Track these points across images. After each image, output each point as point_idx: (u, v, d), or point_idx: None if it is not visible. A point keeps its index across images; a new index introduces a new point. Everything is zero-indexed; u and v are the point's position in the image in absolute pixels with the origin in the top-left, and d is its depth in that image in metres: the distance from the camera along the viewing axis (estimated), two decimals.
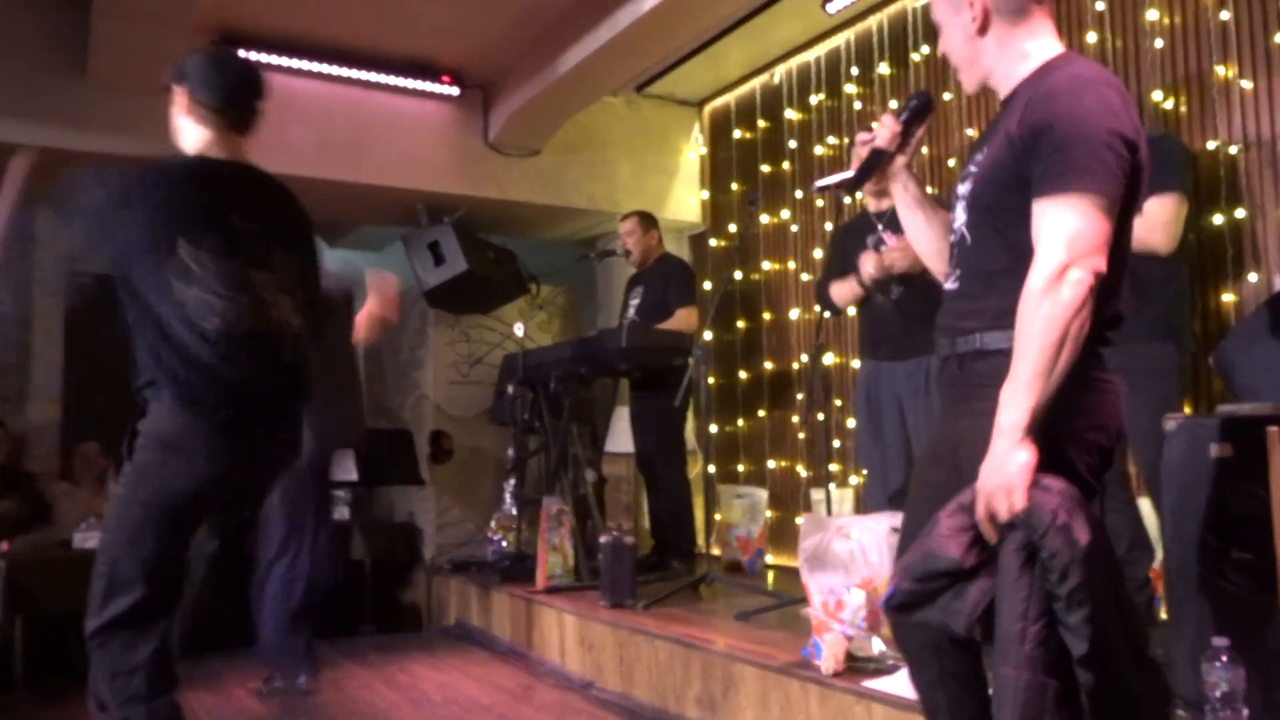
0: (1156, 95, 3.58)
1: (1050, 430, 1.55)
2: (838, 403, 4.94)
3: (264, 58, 4.87)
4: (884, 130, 1.88)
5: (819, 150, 5.19)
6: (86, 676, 4.11)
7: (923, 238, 1.94)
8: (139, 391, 2.19)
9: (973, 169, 1.76)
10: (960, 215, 1.77)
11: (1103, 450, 1.65)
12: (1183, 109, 3.55)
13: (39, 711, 3.69)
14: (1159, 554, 2.83)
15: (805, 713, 2.73)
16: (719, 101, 6.02)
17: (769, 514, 5.06)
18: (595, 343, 4.59)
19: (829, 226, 5.02)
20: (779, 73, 5.49)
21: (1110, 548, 1.54)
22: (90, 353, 6.50)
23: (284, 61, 4.91)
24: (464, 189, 5.44)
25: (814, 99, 5.23)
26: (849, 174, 2.40)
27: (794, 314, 5.32)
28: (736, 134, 5.80)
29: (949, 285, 1.80)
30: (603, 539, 3.96)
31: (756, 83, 5.68)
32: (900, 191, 1.93)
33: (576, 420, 4.73)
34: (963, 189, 1.77)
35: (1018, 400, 1.52)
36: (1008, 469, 1.51)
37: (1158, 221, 2.77)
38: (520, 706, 3.57)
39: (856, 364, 4.89)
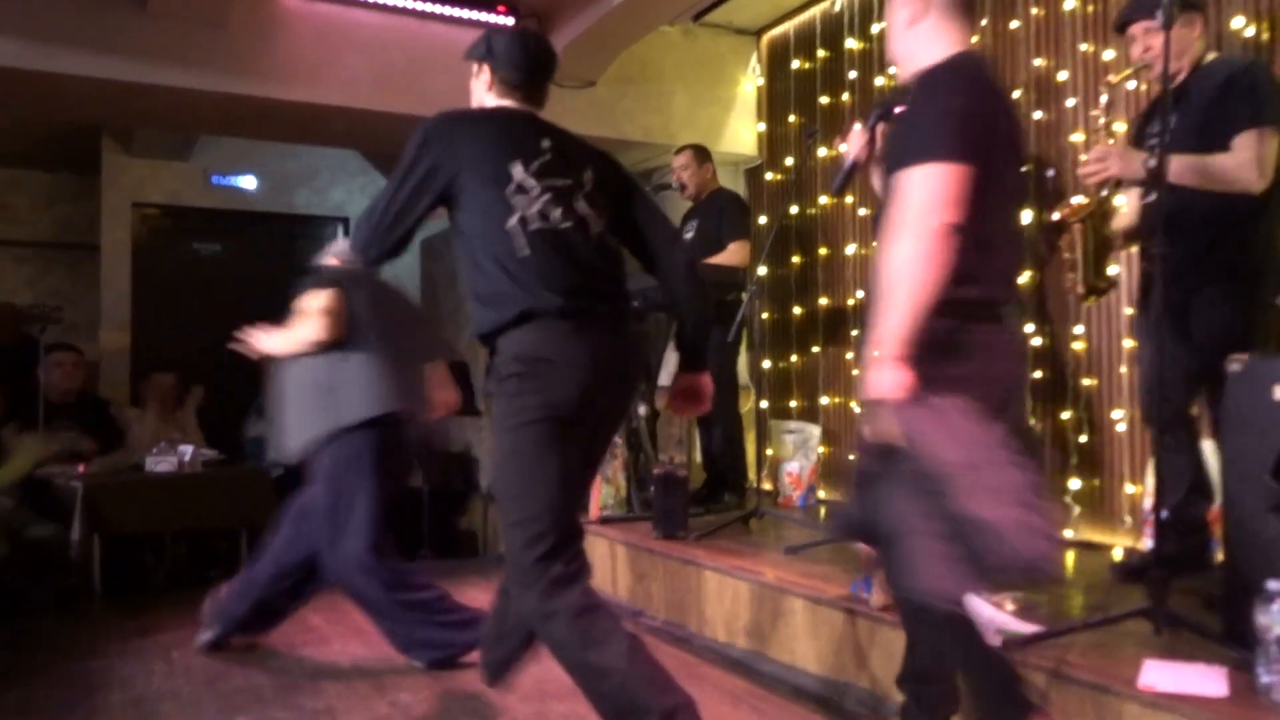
0: (1237, 22, 3.42)
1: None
2: None
3: None
4: (855, 143, 2.35)
5: (880, 81, 5.07)
6: (160, 592, 4.31)
7: None
8: (489, 336, 2.23)
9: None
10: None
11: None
12: (1264, 35, 3.40)
13: (116, 624, 3.88)
14: (1219, 498, 2.80)
15: (854, 645, 2.77)
16: (777, 31, 5.89)
17: (821, 450, 5.06)
18: (649, 277, 4.58)
19: None
20: (840, 0, 5.35)
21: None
22: (157, 283, 6.67)
23: None
24: None
25: (876, 28, 5.08)
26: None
27: (850, 249, 5.26)
28: (795, 64, 5.68)
29: None
30: (655, 471, 4.00)
31: (816, 10, 5.54)
32: (876, 180, 2.33)
33: None
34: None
35: (887, 332, 1.85)
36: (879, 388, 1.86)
37: (1246, 157, 2.62)
38: None
39: None
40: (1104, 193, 2.94)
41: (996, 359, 1.97)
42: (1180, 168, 2.63)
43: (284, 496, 4.96)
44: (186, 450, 4.71)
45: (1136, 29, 2.90)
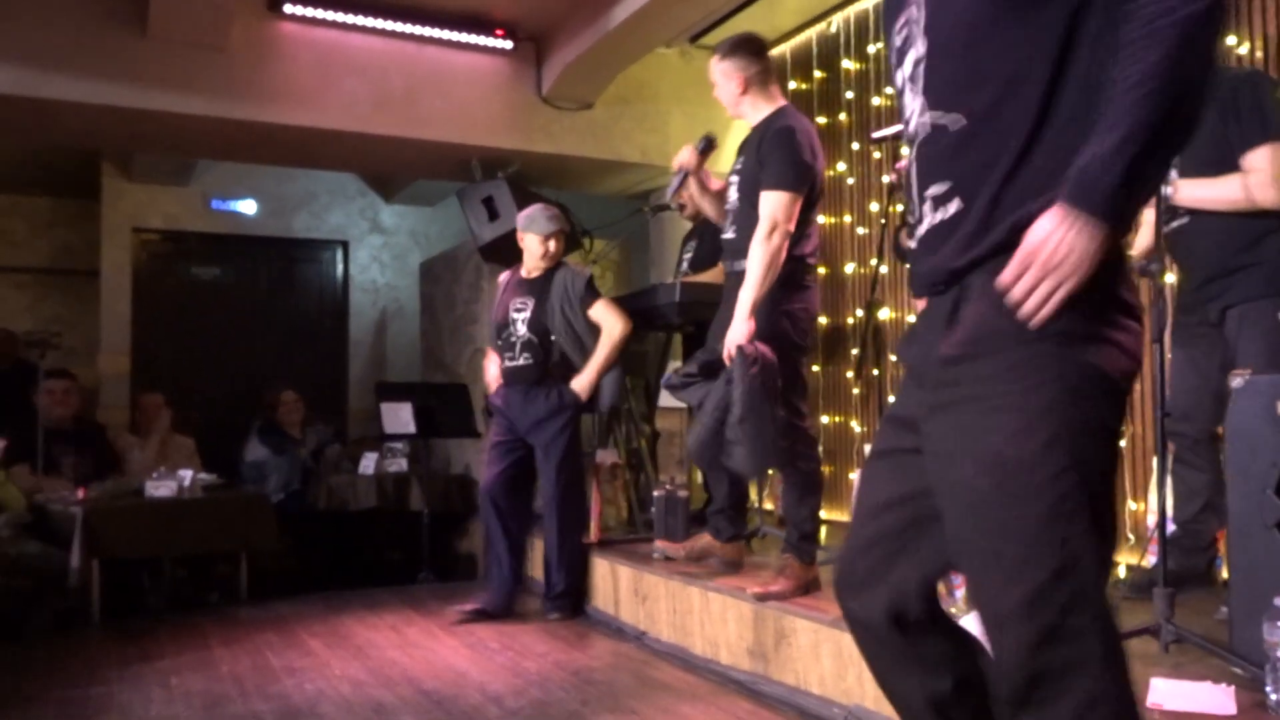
0: (1230, 40, 3.44)
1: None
2: (892, 358, 4.89)
3: (319, 13, 4.89)
4: (685, 157, 3.53)
5: (876, 101, 5.09)
6: (158, 616, 4.28)
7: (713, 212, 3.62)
8: None
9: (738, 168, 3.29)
10: (732, 196, 3.31)
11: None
12: (1258, 54, 3.41)
13: (115, 649, 3.85)
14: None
15: (857, 665, 2.75)
16: (774, 52, 5.90)
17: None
18: (649, 297, 4.59)
19: (886, 179, 4.93)
20: (836, 21, 5.38)
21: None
22: (157, 307, 6.67)
23: (339, 16, 4.93)
24: (517, 143, 5.43)
25: (872, 48, 5.11)
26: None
27: (849, 268, 5.26)
28: (792, 85, 5.70)
29: None
30: (656, 492, 3.99)
31: (813, 32, 5.57)
32: (695, 188, 3.60)
33: (630, 374, 4.74)
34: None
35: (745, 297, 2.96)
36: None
37: (1263, 175, 2.60)
38: (575, 653, 3.64)
39: (912, 319, 4.83)
40: None
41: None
42: (1195, 193, 2.66)
43: (283, 521, 4.97)
44: (186, 475, 4.70)
45: None
